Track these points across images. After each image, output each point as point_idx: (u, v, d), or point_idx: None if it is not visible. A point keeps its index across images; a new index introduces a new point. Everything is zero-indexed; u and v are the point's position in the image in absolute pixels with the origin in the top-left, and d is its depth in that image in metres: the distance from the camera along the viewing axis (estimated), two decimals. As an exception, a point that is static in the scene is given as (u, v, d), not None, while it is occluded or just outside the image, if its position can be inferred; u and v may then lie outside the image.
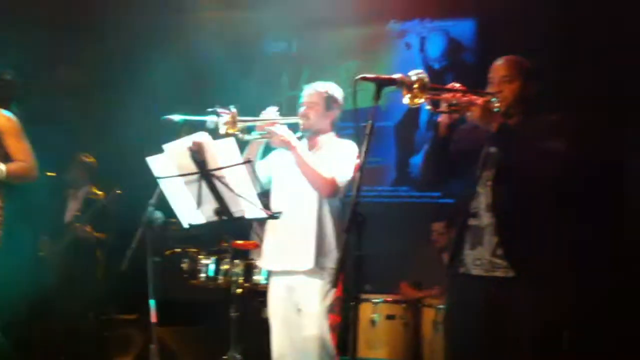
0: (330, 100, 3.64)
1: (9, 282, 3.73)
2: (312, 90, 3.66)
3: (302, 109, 3.64)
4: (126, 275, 3.42)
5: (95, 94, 6.02)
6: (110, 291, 5.32)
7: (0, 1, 5.49)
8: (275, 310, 3.60)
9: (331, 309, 3.47)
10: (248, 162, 3.10)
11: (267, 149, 3.69)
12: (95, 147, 5.60)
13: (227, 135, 3.29)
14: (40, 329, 5.11)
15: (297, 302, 3.53)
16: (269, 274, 3.73)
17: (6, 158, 3.75)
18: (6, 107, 3.88)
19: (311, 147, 3.65)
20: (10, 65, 4.28)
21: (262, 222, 3.69)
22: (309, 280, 3.49)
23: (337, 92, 3.69)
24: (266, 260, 3.65)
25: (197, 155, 3.05)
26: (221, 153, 3.06)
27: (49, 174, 5.06)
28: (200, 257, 4.93)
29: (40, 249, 5.35)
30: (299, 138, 3.56)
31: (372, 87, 2.75)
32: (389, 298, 5.02)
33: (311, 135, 3.65)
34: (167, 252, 5.11)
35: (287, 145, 3.47)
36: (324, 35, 6.61)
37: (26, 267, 3.93)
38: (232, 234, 4.84)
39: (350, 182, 3.47)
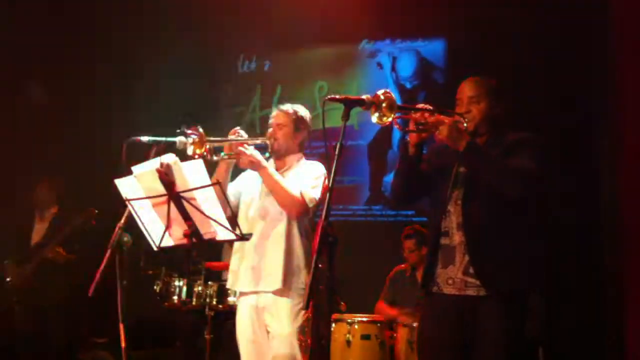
0: (298, 122, 3.66)
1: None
2: (281, 112, 3.68)
3: (270, 130, 3.66)
4: (97, 298, 3.36)
5: (62, 114, 5.97)
6: (81, 314, 5.23)
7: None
8: (244, 332, 3.56)
9: (302, 330, 3.46)
10: (217, 183, 3.07)
11: (237, 171, 3.68)
12: (62, 168, 5.53)
13: (195, 156, 3.28)
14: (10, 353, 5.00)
15: (266, 322, 3.51)
16: (237, 294, 3.70)
17: None
18: None
19: (279, 167, 3.66)
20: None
21: (231, 243, 3.67)
22: (277, 300, 3.47)
23: (305, 113, 3.72)
24: (234, 280, 3.62)
25: (166, 177, 3.02)
26: (190, 174, 3.04)
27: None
28: (172, 278, 4.88)
29: (5, 272, 5.23)
30: (267, 159, 3.57)
31: (341, 107, 2.77)
32: (364, 318, 5.00)
33: (279, 156, 3.66)
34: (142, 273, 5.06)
35: (256, 166, 3.47)
36: (296, 55, 6.64)
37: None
38: (204, 256, 4.81)
39: (320, 203, 3.48)
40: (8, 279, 5.19)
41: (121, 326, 3.42)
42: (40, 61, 5.84)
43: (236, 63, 6.83)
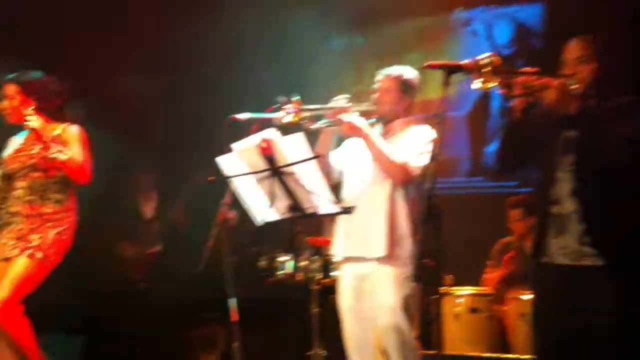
0: (405, 85, 3.54)
1: (89, 282, 3.85)
2: (386, 75, 3.56)
3: (375, 95, 3.55)
4: (206, 274, 3.44)
5: (164, 94, 6.11)
6: (193, 289, 5.37)
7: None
8: (346, 301, 3.51)
9: (407, 301, 3.38)
10: (317, 156, 3.06)
11: (343, 139, 3.62)
12: (165, 149, 5.68)
13: (292, 123, 3.25)
14: (128, 326, 5.20)
15: (369, 291, 3.43)
16: (339, 264, 3.63)
17: (56, 168, 3.86)
18: (65, 117, 4.00)
19: (386, 133, 3.54)
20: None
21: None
22: (381, 268, 3.39)
23: (413, 75, 3.57)
24: (336, 246, 3.56)
25: (267, 152, 3.04)
26: (291, 148, 3.04)
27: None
28: (277, 254, 4.93)
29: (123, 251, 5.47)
30: (373, 125, 3.48)
31: (439, 77, 2.67)
32: (472, 291, 4.91)
33: (385, 121, 3.55)
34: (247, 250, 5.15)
35: (358, 132, 3.39)
36: (387, 27, 6.54)
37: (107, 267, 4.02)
38: (308, 231, 4.84)
39: (426, 170, 3.35)
40: (127, 256, 5.43)
41: (230, 301, 3.49)
42: (137, 45, 5.97)
43: (328, 39, 6.79)
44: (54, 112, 3.97)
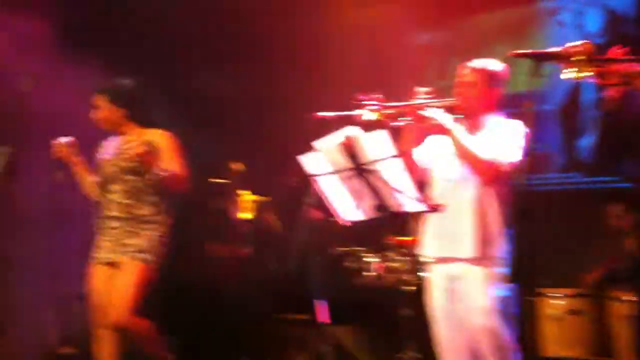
0: (491, 78, 3.39)
1: (181, 283, 3.92)
2: (471, 68, 3.42)
3: (459, 90, 3.43)
4: (294, 275, 3.43)
5: (245, 95, 6.15)
6: (282, 290, 5.39)
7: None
8: (437, 302, 3.41)
9: (502, 303, 3.25)
10: (402, 154, 2.98)
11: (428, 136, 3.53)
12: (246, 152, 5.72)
13: (374, 121, 3.18)
14: (219, 327, 5.25)
15: (462, 292, 3.32)
16: (429, 264, 3.54)
17: (149, 172, 3.93)
18: (153, 123, 4.08)
19: (471, 129, 3.41)
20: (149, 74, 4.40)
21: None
22: (472, 269, 3.27)
23: (498, 68, 3.43)
24: (426, 247, 3.47)
25: (350, 150, 2.99)
26: (374, 146, 2.98)
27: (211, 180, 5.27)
28: (365, 255, 4.88)
29: (209, 251, 5.55)
30: (457, 121, 3.37)
31: (527, 69, 2.56)
32: (569, 292, 4.70)
33: (471, 116, 3.41)
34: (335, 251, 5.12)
35: (442, 129, 3.29)
36: (471, 21, 6.39)
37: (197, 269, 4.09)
38: (395, 231, 4.77)
39: (516, 166, 3.21)
40: (217, 257, 5.51)
41: (317, 302, 3.46)
42: (220, 44, 6.03)
43: (409, 35, 6.69)
44: (144, 119, 4.08)
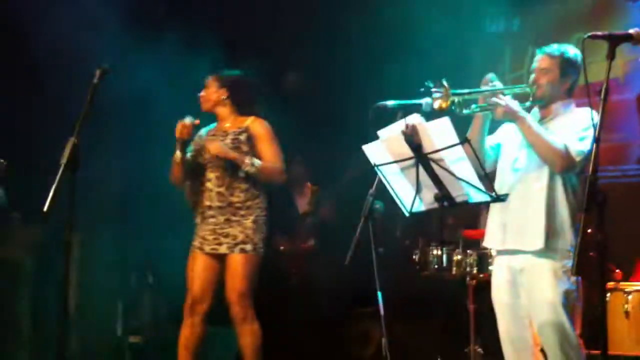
0: (566, 65, 3.24)
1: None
2: (545, 55, 3.28)
3: (532, 76, 3.28)
4: (358, 268, 3.38)
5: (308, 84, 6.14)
6: (345, 283, 5.36)
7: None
8: (501, 295, 3.29)
9: (569, 297, 3.11)
10: (465, 141, 2.89)
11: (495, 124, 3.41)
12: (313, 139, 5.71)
13: (441, 109, 3.09)
14: (283, 320, 5.26)
15: (526, 286, 3.19)
16: (494, 256, 3.44)
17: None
18: (253, 112, 4.15)
19: (543, 117, 3.28)
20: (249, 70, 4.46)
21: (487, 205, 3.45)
22: (538, 261, 3.14)
23: (574, 54, 3.27)
24: (490, 238, 3.35)
25: (412, 138, 2.92)
26: (436, 134, 2.89)
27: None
28: (430, 247, 4.80)
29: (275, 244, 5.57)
30: (529, 108, 3.24)
31: (603, 58, 2.45)
32: (641, 287, 4.49)
33: (544, 104, 3.28)
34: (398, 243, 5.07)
35: (512, 117, 3.16)
36: (547, 8, 6.18)
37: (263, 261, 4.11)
38: (461, 223, 4.67)
39: (588, 156, 3.04)
40: (281, 250, 5.53)
41: (379, 295, 3.41)
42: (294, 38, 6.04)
43: (483, 23, 6.53)
44: (245, 107, 4.14)
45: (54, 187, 2.81)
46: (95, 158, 4.74)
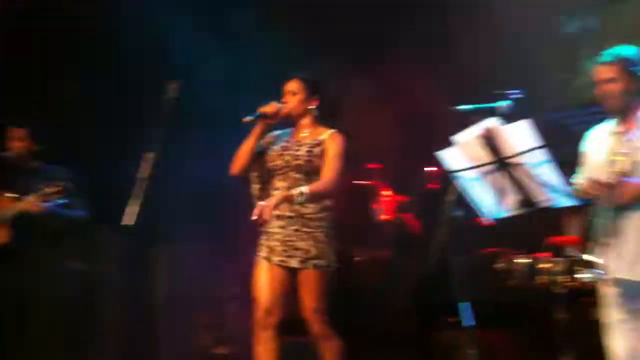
0: (630, 66, 3.01)
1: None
2: (603, 65, 3.06)
3: (598, 90, 3.06)
4: (439, 277, 3.32)
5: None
6: (426, 293, 5.27)
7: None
8: (615, 317, 3.16)
9: None
10: (547, 145, 2.79)
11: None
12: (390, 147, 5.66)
13: (515, 113, 3.00)
14: (362, 329, 5.23)
15: None
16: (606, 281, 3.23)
17: (316, 172, 3.84)
18: (333, 122, 3.96)
19: (626, 130, 3.05)
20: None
21: (577, 211, 3.30)
22: None
23: (633, 52, 3.05)
24: (603, 263, 3.15)
25: (490, 143, 2.84)
26: (516, 137, 2.82)
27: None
28: (514, 255, 4.65)
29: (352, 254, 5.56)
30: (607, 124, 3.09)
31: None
32: None
33: (622, 117, 3.06)
34: (481, 251, 4.94)
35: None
36: (629, 6, 5.93)
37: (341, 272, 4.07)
38: (547, 229, 4.52)
39: None
40: (359, 259, 5.50)
41: (462, 305, 3.33)
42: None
43: (557, 23, 6.33)
44: (326, 117, 3.94)
45: (138, 199, 2.86)
46: (177, 168, 4.83)
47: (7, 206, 4.18)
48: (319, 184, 3.77)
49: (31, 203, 4.07)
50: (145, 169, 2.89)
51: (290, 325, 3.91)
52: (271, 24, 5.52)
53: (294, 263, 3.76)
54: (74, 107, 5.35)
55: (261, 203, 3.63)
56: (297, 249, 3.76)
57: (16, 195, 4.16)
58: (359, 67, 5.85)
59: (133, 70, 5.29)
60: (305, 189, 3.69)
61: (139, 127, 3.76)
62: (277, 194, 3.73)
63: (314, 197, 3.73)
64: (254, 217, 3.59)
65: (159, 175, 2.94)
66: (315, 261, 3.75)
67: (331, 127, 3.91)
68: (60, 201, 4.14)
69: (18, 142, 4.35)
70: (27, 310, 4.22)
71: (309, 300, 3.76)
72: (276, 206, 3.63)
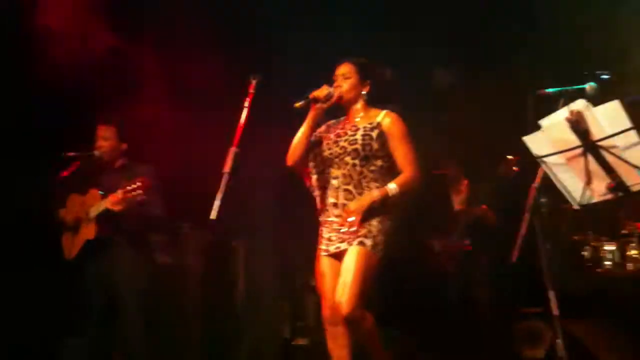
0: None
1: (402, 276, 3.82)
2: None
3: None
4: (522, 265, 3.23)
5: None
6: (511, 282, 5.16)
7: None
8: None
9: None
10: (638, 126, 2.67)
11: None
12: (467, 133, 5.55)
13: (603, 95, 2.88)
14: (442, 320, 5.17)
15: None
16: None
17: (389, 161, 3.70)
18: (386, 105, 3.79)
19: None
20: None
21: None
22: None
23: None
24: None
25: (578, 126, 2.74)
26: (606, 119, 2.70)
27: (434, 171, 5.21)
28: (602, 243, 4.51)
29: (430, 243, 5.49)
30: None
31: None
32: None
33: None
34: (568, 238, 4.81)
35: None
36: None
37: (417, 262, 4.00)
38: (636, 215, 4.36)
39: None
40: (436, 249, 5.44)
41: (550, 294, 3.23)
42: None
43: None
44: (380, 101, 3.77)
45: (220, 194, 2.88)
46: (250, 163, 4.88)
47: (94, 203, 4.31)
48: (405, 180, 3.62)
49: (115, 200, 4.18)
50: (228, 163, 2.92)
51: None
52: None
53: (344, 245, 3.59)
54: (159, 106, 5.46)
55: (350, 208, 3.55)
56: (348, 233, 3.58)
57: (102, 193, 4.28)
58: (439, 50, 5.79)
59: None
60: (394, 186, 3.59)
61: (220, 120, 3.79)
62: (367, 194, 3.60)
63: (402, 194, 3.60)
64: (345, 224, 3.54)
65: (241, 170, 2.96)
66: (361, 239, 3.55)
67: (384, 107, 3.73)
68: (141, 198, 4.22)
69: (106, 141, 4.48)
70: (116, 302, 4.34)
71: (344, 276, 3.49)
72: (368, 207, 3.53)
